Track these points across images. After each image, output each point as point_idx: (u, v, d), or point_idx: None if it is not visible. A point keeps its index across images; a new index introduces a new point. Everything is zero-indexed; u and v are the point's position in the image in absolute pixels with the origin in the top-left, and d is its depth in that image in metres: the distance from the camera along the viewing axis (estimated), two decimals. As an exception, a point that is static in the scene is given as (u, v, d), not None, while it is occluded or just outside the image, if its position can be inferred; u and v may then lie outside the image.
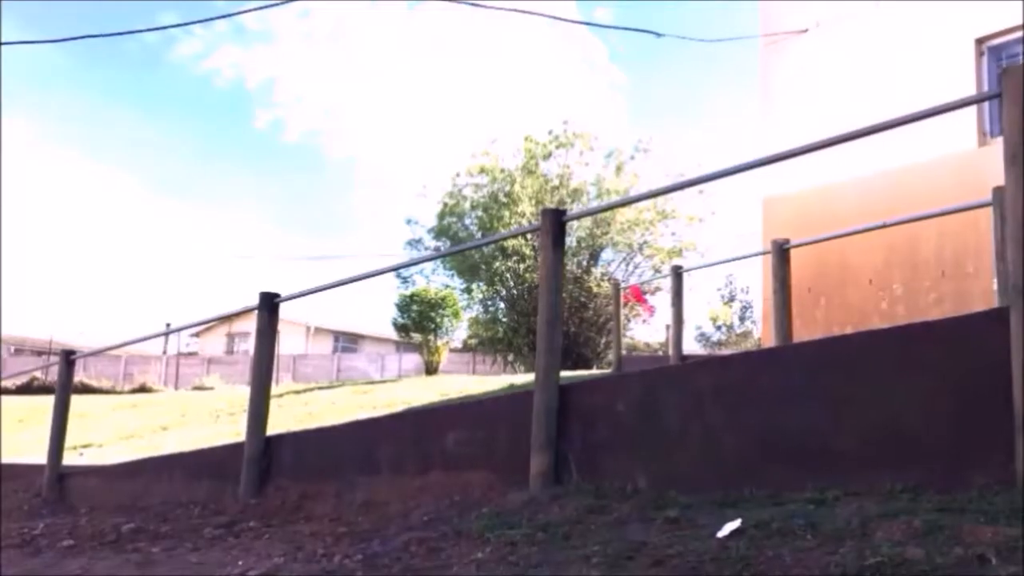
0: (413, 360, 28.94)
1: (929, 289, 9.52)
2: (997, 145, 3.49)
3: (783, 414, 3.91)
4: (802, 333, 9.02)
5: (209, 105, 62.11)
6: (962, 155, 9.25)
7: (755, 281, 12.90)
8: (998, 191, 4.55)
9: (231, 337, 41.24)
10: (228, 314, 15.83)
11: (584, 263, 24.61)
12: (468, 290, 25.44)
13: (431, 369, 20.77)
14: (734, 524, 3.15)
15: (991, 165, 3.50)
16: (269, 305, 6.64)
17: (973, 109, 9.37)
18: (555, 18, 33.87)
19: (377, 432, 5.87)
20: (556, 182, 25.18)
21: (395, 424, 6.12)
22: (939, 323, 3.67)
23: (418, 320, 20.85)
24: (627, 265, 25.55)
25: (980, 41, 9.91)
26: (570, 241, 23.66)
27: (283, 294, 6.77)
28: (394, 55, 61.90)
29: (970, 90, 9.47)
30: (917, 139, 8.58)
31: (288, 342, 34.21)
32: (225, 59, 61.19)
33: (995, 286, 5.53)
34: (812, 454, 3.76)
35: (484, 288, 25.13)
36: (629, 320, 24.54)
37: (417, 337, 21.36)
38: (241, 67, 62.16)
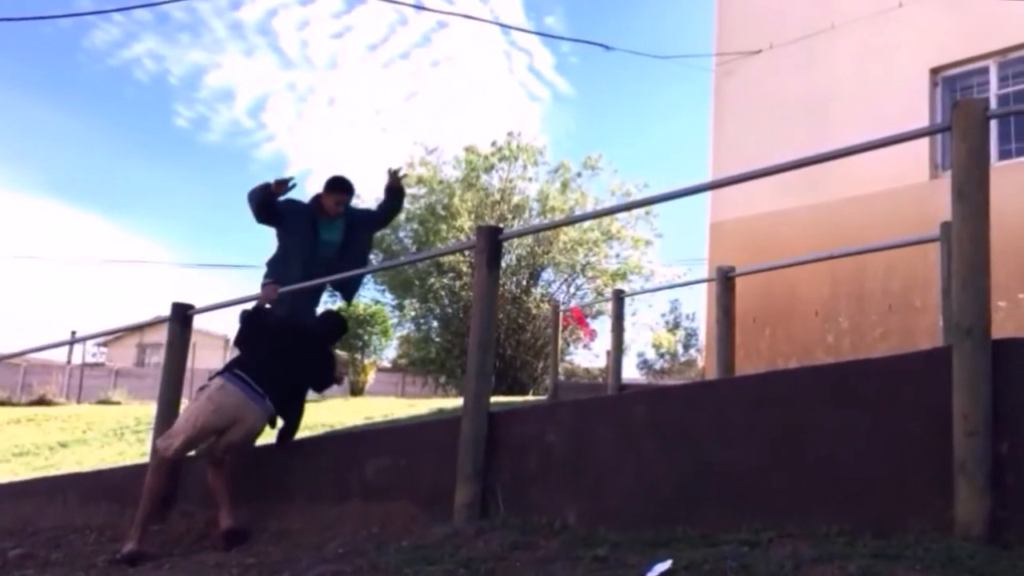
0: (338, 379, 28.60)
1: (875, 323, 9.75)
2: (948, 178, 3.59)
3: (720, 451, 3.95)
4: (745, 365, 9.16)
5: (127, 98, 60.85)
6: (914, 187, 9.53)
7: (701, 308, 13.09)
8: (946, 226, 4.69)
9: (142, 348, 40.33)
10: (138, 324, 15.52)
11: (523, 283, 24.68)
12: (400, 307, 25.32)
13: (357, 390, 20.58)
14: (664, 565, 3.16)
15: (942, 198, 3.60)
16: (181, 317, 6.52)
17: (926, 140, 9.66)
18: (502, 25, 34.10)
19: (292, 457, 5.78)
20: (498, 196, 25.26)
21: (312, 448, 6.04)
22: (880, 361, 3.75)
23: (345, 337, 20.67)
24: (569, 287, 25.72)
25: (935, 71, 10.24)
26: (509, 259, 23.72)
27: (198, 305, 6.67)
28: (329, 53, 61.60)
29: (924, 120, 9.76)
30: (869, 168, 8.82)
31: (205, 356, 33.54)
32: (146, 50, 60.06)
33: (941, 323, 5.69)
34: (748, 493, 3.80)
35: (417, 305, 25.04)
36: (569, 344, 24.68)
37: (343, 355, 21.16)
38: (163, 59, 61.12)
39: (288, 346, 5.67)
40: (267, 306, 5.99)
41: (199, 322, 6.90)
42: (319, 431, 9.74)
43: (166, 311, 6.60)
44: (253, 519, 5.43)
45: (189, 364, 7.35)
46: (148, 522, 5.27)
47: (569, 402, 5.61)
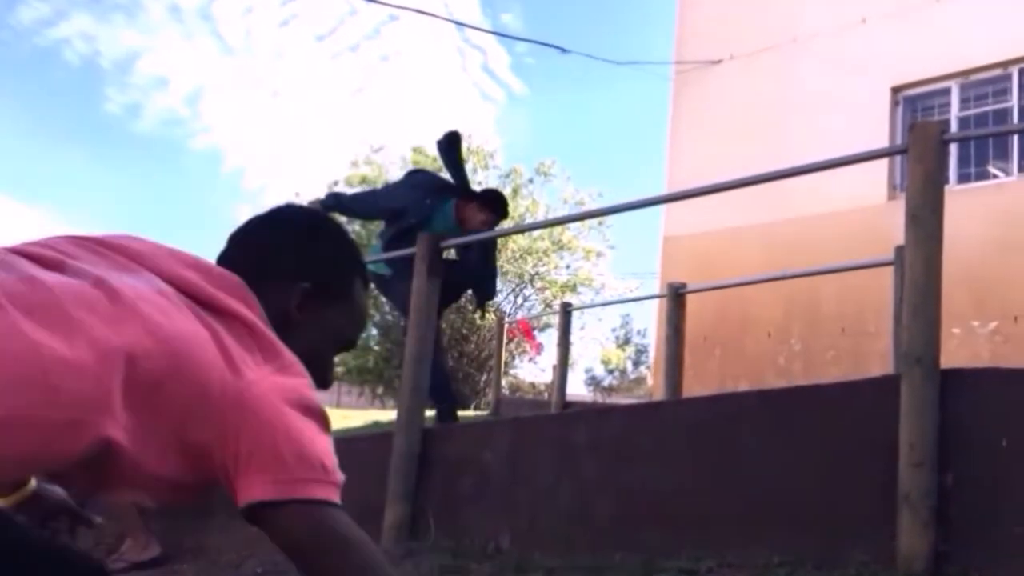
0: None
1: (828, 347, 9.90)
2: (904, 201, 3.67)
3: (662, 475, 3.98)
4: (694, 385, 9.24)
5: (54, 81, 59.69)
6: (871, 208, 9.70)
7: (653, 324, 13.21)
8: (900, 250, 4.78)
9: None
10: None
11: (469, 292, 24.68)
12: (338, 312, 25.15)
13: (289, 399, 20.34)
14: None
15: (900, 221, 3.67)
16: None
17: (885, 160, 9.85)
18: (455, 22, 34.15)
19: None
20: (445, 200, 25.25)
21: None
22: (828, 387, 3.81)
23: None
24: (516, 297, 25.76)
25: (896, 90, 10.46)
26: (455, 266, 23.67)
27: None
28: (274, 43, 61.08)
29: (884, 140, 9.97)
30: (827, 187, 8.95)
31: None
32: (77, 29, 59.03)
33: (892, 349, 5.80)
34: (689, 520, 3.83)
35: (356, 311, 24.89)
36: (514, 357, 24.70)
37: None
38: (95, 40, 60.09)
39: None
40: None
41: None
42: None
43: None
44: (169, 535, 5.34)
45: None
46: None
47: (508, 420, 5.62)
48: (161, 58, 60.86)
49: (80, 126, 62.24)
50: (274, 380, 1.34)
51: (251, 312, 1.39)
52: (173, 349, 1.25)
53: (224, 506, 5.41)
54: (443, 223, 5.82)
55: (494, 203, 5.99)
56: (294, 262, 1.57)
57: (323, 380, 1.56)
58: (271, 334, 1.39)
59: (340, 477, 1.37)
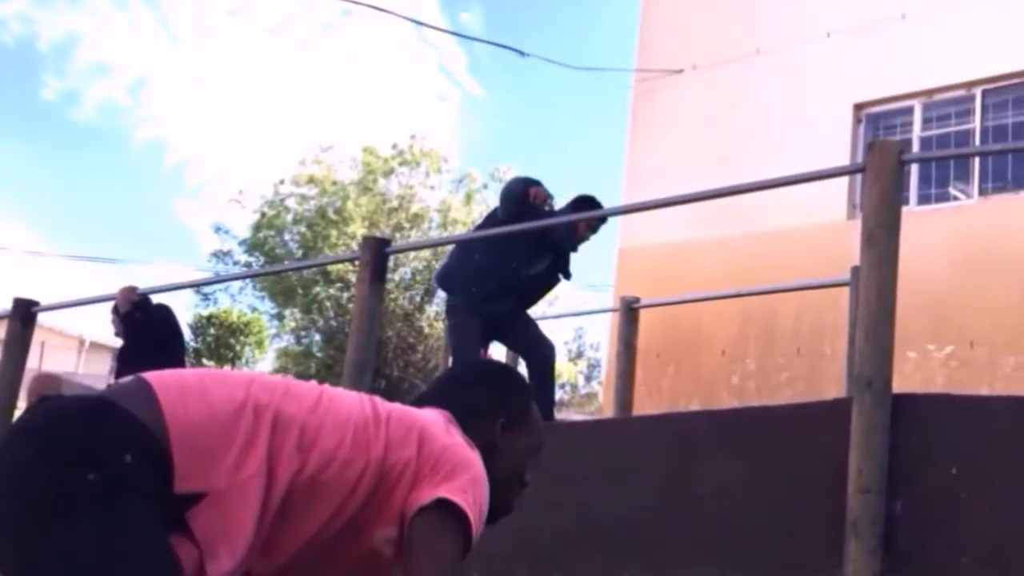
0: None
1: (783, 367, 9.99)
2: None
3: (607, 495, 3.98)
4: (646, 403, 9.27)
5: (-13, 63, 58.54)
6: (830, 226, 9.80)
7: (606, 338, 13.23)
8: (856, 271, 4.83)
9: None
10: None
11: (418, 299, 24.58)
12: (279, 316, 24.91)
13: (225, 405, 20.14)
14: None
15: (858, 240, 3.71)
16: (23, 313, 6.28)
17: (845, 178, 9.96)
18: (411, 20, 34.09)
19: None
20: (396, 204, 25.12)
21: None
22: (778, 409, 3.85)
23: (214, 346, 20.24)
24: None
25: (858, 107, 10.60)
26: (404, 272, 23.63)
27: (54, 300, 6.48)
28: (222, 33, 60.52)
29: (845, 157, 10.07)
30: (786, 203, 9.03)
31: (55, 357, 32.43)
32: (14, 10, 57.96)
33: (845, 372, 5.86)
34: (635, 542, 3.84)
35: (299, 316, 24.69)
36: (463, 368, 24.62)
37: (211, 365, 20.72)
38: (33, 22, 59.08)
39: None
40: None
41: (52, 320, 6.66)
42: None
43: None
44: None
45: (35, 366, 7.08)
46: None
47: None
48: (103, 44, 60.05)
49: (14, 113, 60.84)
50: None
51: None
52: None
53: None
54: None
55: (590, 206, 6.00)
56: (496, 403, 2.09)
57: (508, 506, 2.10)
58: None
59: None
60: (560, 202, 6.20)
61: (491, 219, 6.08)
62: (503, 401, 2.10)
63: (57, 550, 1.54)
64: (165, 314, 5.93)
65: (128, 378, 1.80)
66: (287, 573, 1.76)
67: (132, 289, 5.85)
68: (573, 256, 6.10)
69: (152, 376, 1.73)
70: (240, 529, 1.65)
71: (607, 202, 6.21)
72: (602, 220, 6.16)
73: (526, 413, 2.14)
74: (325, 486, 1.73)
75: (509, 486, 2.05)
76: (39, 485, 1.58)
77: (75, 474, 1.56)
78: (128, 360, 5.58)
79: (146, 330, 5.66)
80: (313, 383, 1.98)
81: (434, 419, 1.92)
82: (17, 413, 5.87)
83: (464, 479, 1.81)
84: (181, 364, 5.89)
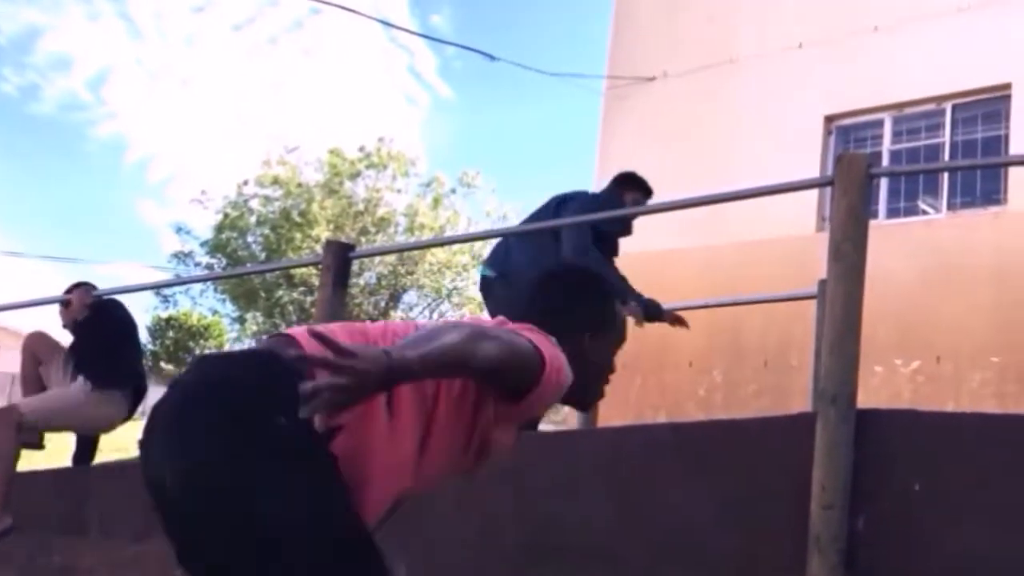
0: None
1: (750, 379, 10.04)
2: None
3: (570, 508, 3.97)
4: (612, 414, 9.25)
5: (-55, 55, 57.69)
6: (799, 239, 9.87)
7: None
8: (823, 284, 4.86)
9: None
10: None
11: (383, 304, 24.53)
12: (241, 319, 24.78)
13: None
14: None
15: (826, 253, 3.73)
16: (-26, 313, 6.19)
17: (815, 190, 10.05)
18: (380, 21, 34.05)
19: (87, 484, 5.55)
20: (361, 207, 25.06)
21: (110, 476, 5.80)
22: (743, 423, 3.86)
23: (172, 350, 20.07)
24: (432, 312, 25.67)
25: (829, 119, 10.70)
26: (369, 277, 23.60)
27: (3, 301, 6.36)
28: (186, 29, 60.09)
29: (816, 169, 10.15)
30: (755, 214, 9.09)
31: (7, 357, 32.02)
32: (-28, 2, 57.13)
33: (811, 386, 5.89)
34: (597, 556, 3.83)
35: (261, 319, 24.55)
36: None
37: (169, 370, 20.54)
38: (-7, 15, 58.30)
39: None
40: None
41: (3, 319, 6.56)
42: (124, 456, 9.36)
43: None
44: (38, 550, 5.18)
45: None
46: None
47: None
48: (64, 38, 59.46)
49: (-30, 107, 60.26)
50: None
51: None
52: None
53: (99, 524, 5.27)
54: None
55: (646, 187, 6.09)
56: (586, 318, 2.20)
57: (601, 392, 2.33)
58: None
59: None
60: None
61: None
62: (592, 314, 2.22)
63: (268, 486, 1.73)
64: (120, 313, 5.88)
65: (276, 334, 2.03)
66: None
67: (88, 292, 5.78)
68: None
69: (297, 331, 1.93)
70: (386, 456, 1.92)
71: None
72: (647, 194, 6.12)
73: (611, 322, 2.26)
74: (456, 403, 1.95)
75: (598, 379, 2.27)
76: (244, 424, 1.76)
77: (269, 417, 1.74)
78: (82, 356, 5.48)
79: (99, 329, 5.59)
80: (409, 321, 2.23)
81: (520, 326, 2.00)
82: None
83: (544, 341, 1.90)
84: (139, 355, 5.96)
